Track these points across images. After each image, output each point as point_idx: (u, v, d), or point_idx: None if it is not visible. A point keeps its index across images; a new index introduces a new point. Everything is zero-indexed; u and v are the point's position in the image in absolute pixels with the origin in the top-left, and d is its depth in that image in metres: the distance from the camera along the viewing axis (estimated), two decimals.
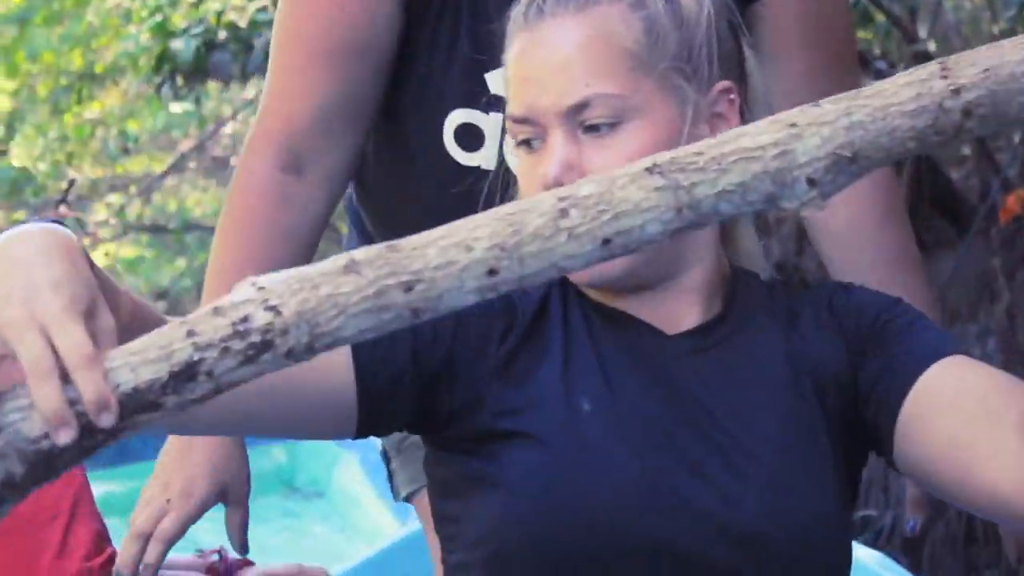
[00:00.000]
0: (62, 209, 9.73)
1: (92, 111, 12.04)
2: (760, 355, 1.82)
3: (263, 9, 7.95)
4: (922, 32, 8.33)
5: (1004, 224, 7.41)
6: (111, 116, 12.33)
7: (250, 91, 9.60)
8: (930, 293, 2.57)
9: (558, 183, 1.62)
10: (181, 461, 2.32)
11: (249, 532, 2.87)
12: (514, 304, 1.77)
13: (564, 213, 1.21)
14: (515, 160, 1.87)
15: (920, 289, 2.44)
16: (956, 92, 1.24)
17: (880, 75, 7.60)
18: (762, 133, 1.26)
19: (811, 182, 1.23)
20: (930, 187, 8.40)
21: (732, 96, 1.80)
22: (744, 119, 1.78)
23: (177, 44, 8.13)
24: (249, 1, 8.27)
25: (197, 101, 9.57)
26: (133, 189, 12.92)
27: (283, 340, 1.12)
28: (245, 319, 1.11)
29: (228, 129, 12.58)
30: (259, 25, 7.88)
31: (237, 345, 1.12)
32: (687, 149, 1.25)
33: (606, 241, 1.22)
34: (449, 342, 1.73)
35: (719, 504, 1.70)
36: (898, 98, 1.27)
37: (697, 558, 1.68)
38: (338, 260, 1.17)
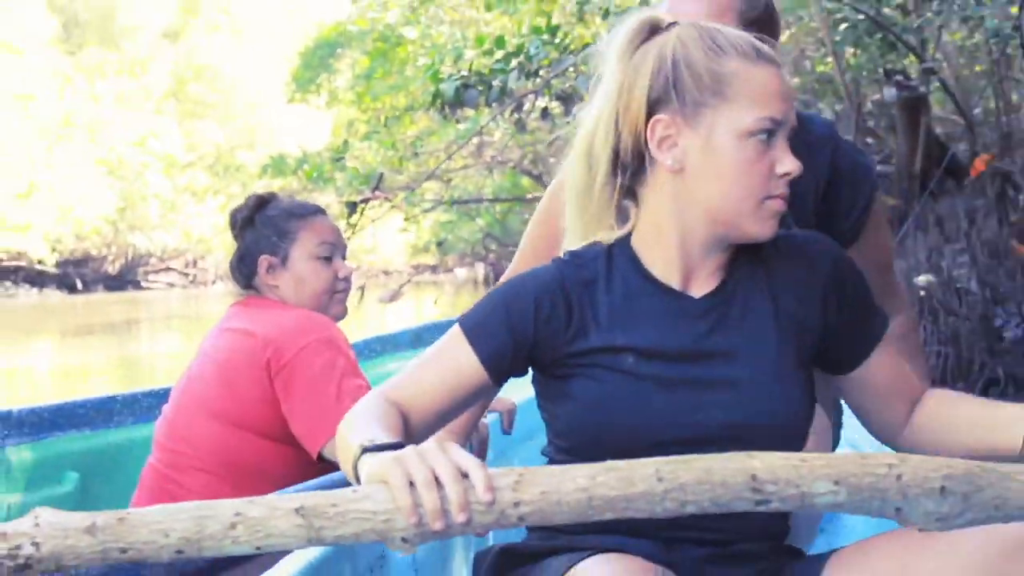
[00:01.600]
0: (377, 192, 10.54)
1: (413, 130, 13.70)
2: (755, 310, 1.92)
3: (498, 60, 8.78)
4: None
5: (976, 176, 8.32)
6: (425, 132, 14.04)
7: (488, 116, 10.49)
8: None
9: (789, 173, 1.83)
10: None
11: None
12: (568, 291, 1.89)
13: (302, 520, 1.43)
14: (732, 151, 1.81)
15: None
16: (516, 504, 1.45)
17: (900, 85, 8.62)
18: (381, 500, 1.45)
19: (404, 540, 1.45)
20: (938, 157, 9.39)
21: None
22: None
23: (444, 86, 8.95)
24: (488, 55, 8.98)
25: (457, 121, 10.54)
26: (447, 179, 14.57)
27: (38, 565, 1.37)
28: (18, 547, 1.37)
29: (495, 139, 13.87)
30: (494, 72, 8.84)
31: (8, 563, 1.36)
32: (329, 497, 1.45)
33: (258, 547, 1.44)
34: (533, 328, 1.87)
35: (723, 415, 1.85)
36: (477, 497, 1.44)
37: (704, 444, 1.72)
38: (89, 519, 1.40)
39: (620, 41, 1.89)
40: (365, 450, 1.59)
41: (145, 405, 3.84)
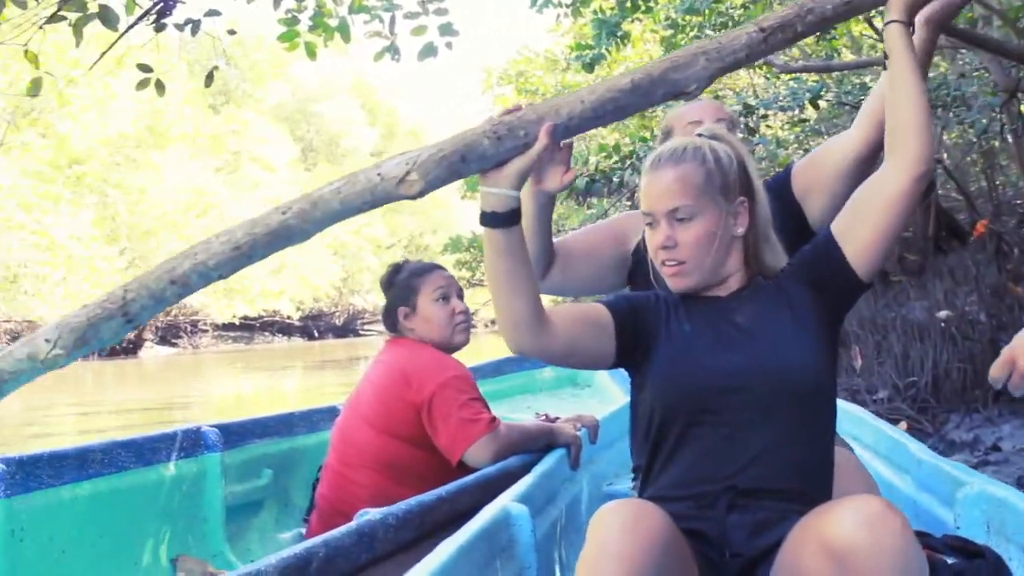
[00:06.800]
0: None
1: (557, 212, 12.75)
2: (766, 298, 1.88)
3: (616, 162, 8.52)
4: None
5: (977, 236, 8.32)
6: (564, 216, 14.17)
7: (609, 203, 10.28)
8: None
9: (665, 247, 1.83)
10: None
11: (548, 410, 3.32)
12: (655, 300, 1.91)
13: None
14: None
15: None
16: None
17: None
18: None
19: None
20: (945, 223, 9.53)
21: (745, 204, 1.85)
22: (752, 218, 1.87)
23: (577, 181, 8.01)
24: (608, 158, 8.58)
25: (588, 206, 10.79)
26: None
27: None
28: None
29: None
30: (614, 170, 8.51)
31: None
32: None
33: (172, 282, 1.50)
34: (635, 317, 1.87)
35: (750, 363, 1.79)
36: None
37: (742, 389, 1.77)
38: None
39: None
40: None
41: (316, 419, 3.79)
